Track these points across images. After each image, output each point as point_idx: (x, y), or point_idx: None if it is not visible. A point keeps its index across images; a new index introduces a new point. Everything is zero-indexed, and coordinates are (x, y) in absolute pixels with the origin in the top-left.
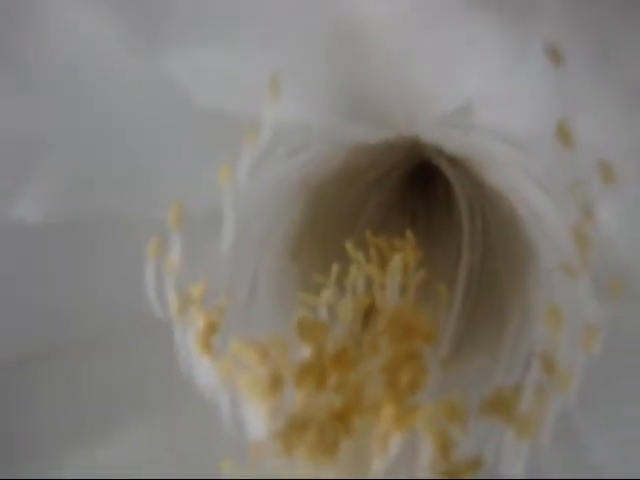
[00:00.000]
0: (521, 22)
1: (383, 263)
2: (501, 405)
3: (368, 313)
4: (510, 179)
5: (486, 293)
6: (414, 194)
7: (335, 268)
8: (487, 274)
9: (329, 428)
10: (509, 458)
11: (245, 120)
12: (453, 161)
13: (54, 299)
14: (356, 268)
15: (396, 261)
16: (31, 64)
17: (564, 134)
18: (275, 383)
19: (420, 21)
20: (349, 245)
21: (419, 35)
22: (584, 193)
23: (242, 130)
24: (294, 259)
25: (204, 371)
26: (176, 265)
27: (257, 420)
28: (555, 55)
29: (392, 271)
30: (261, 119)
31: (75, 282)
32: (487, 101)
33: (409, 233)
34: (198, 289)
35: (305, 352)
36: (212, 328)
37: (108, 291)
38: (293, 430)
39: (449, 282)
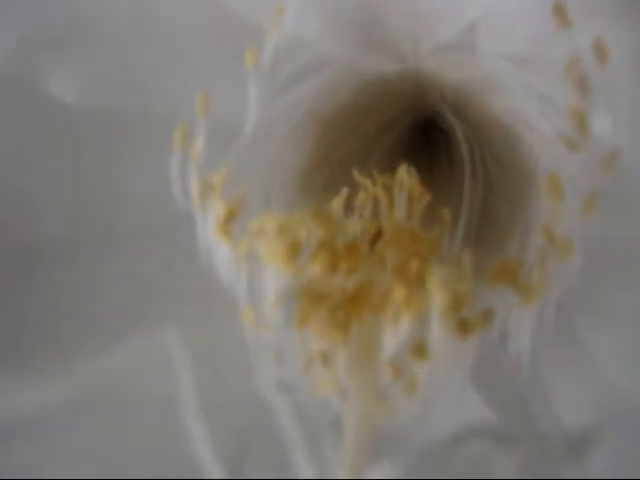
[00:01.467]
0: None
1: (389, 191)
2: (507, 273)
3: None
4: (511, 99)
5: (487, 224)
6: (417, 150)
7: (344, 191)
8: (488, 209)
9: (342, 307)
10: (516, 325)
11: (265, 24)
12: (455, 108)
13: (80, 184)
14: (364, 193)
15: (402, 172)
16: None
17: (560, 13)
18: (293, 250)
19: None
20: (356, 173)
21: None
22: (580, 71)
23: (263, 33)
24: (302, 190)
25: (222, 255)
26: (200, 152)
27: (275, 288)
28: None
29: (398, 184)
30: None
31: (102, 171)
32: (487, 21)
33: (413, 170)
34: (219, 177)
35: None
36: (231, 215)
37: (132, 184)
38: (308, 300)
39: (451, 220)
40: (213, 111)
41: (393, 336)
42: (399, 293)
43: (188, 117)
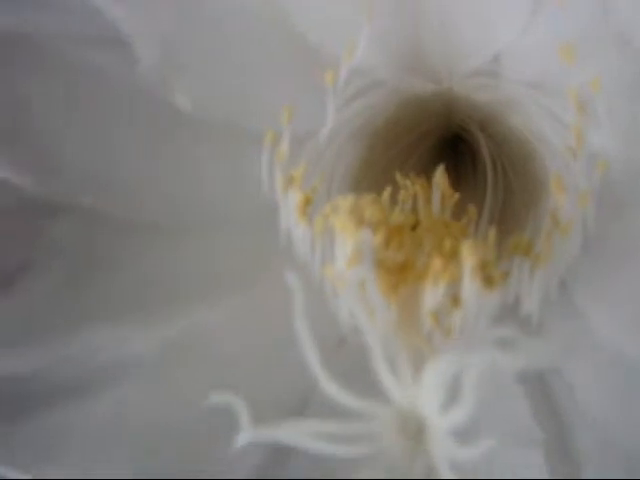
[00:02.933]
0: None
1: (426, 190)
2: (521, 247)
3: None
4: (527, 118)
5: (506, 217)
6: (447, 158)
7: (388, 190)
8: (506, 206)
9: (393, 273)
10: (526, 287)
11: (336, 53)
12: (481, 125)
13: (186, 177)
14: (404, 191)
15: (438, 174)
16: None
17: (567, 52)
18: (360, 224)
19: None
20: (398, 175)
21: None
22: (581, 96)
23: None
24: (355, 188)
25: (301, 233)
26: (284, 153)
27: (344, 255)
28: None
29: (435, 184)
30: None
31: (204, 168)
32: (508, 53)
33: (444, 174)
34: (298, 172)
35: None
36: (308, 201)
37: (217, 184)
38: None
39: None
40: (294, 120)
41: (433, 295)
42: (436, 264)
43: (271, 126)
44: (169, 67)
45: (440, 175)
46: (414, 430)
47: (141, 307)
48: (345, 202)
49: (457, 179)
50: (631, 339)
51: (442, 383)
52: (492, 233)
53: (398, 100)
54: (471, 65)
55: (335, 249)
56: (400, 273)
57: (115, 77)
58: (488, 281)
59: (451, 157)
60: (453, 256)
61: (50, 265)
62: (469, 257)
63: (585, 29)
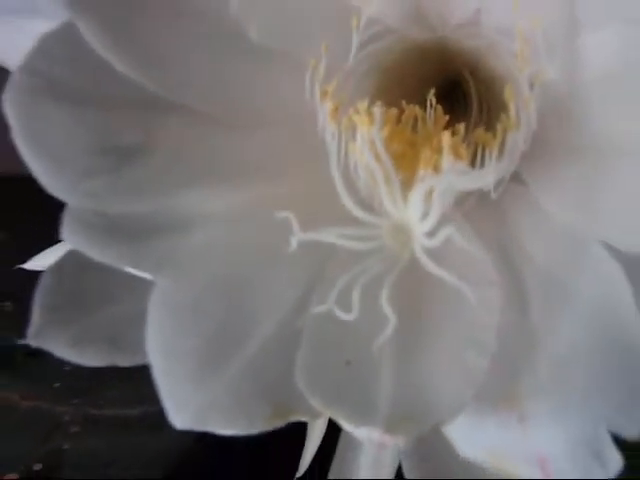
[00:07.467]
0: None
1: (424, 115)
2: (482, 137)
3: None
4: (500, 59)
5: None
6: (444, 93)
7: (394, 110)
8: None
9: (395, 159)
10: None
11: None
12: (469, 68)
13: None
14: (407, 113)
15: (431, 94)
16: None
17: (516, 5)
18: (373, 121)
19: None
20: (403, 102)
21: None
22: (526, 32)
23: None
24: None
25: (331, 130)
26: (322, 73)
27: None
28: None
29: (429, 106)
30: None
31: (262, 84)
32: (486, 6)
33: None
34: (330, 87)
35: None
36: (336, 109)
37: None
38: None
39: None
40: (329, 52)
41: (423, 170)
42: (427, 153)
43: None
44: (246, 7)
45: (431, 95)
46: (403, 233)
47: (219, 180)
48: (363, 105)
49: (452, 114)
50: (578, 216)
51: (420, 201)
52: (461, 127)
53: (403, 46)
54: (458, 16)
55: (356, 137)
56: (400, 160)
57: (210, 13)
58: (459, 156)
59: (448, 92)
60: (439, 149)
61: (157, 146)
62: (446, 140)
63: None
